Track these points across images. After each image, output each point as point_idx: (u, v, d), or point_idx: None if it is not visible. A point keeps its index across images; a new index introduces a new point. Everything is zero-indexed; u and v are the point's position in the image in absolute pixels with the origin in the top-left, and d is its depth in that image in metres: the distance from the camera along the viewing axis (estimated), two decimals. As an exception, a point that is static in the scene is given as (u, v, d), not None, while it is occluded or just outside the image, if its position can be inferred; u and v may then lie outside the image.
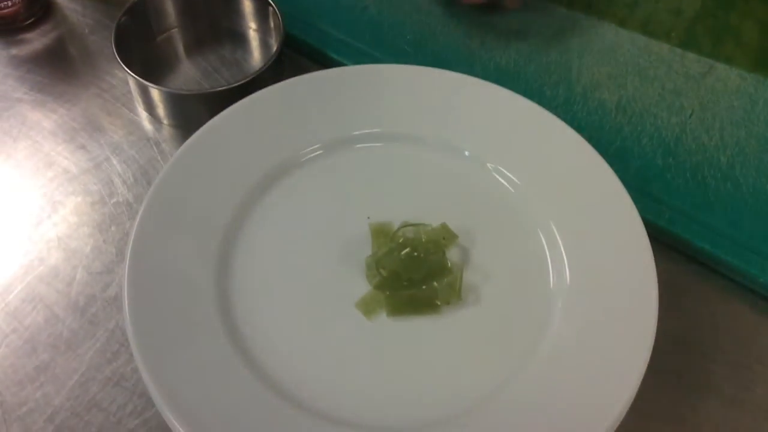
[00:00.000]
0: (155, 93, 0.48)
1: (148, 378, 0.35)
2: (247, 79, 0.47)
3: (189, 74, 0.53)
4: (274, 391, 0.37)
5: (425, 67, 0.47)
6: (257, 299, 0.40)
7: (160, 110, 0.50)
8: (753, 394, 0.40)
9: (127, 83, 0.52)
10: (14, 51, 0.55)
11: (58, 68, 0.54)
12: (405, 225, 0.42)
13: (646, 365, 0.36)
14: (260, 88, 0.46)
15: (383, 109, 0.47)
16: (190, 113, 0.49)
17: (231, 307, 0.40)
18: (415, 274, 0.40)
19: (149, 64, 0.53)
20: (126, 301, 0.38)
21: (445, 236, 0.42)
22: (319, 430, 0.36)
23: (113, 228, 0.46)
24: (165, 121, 0.50)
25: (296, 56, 0.54)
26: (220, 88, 0.48)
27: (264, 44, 0.55)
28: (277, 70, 0.50)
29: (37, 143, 0.50)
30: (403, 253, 0.41)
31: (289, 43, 0.53)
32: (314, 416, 0.36)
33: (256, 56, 0.54)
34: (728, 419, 0.40)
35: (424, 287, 0.40)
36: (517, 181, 0.44)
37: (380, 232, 0.43)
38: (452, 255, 0.42)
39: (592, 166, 0.43)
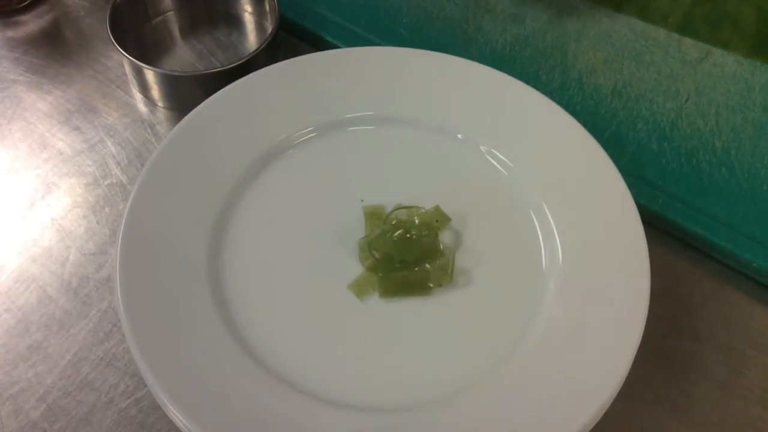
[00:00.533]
0: (150, 74, 0.48)
1: (140, 358, 0.35)
2: (242, 61, 0.47)
3: (184, 57, 0.53)
4: (266, 371, 0.37)
5: (419, 50, 0.47)
6: (250, 280, 0.40)
7: (155, 92, 0.50)
8: (745, 379, 0.40)
9: (122, 65, 0.52)
10: (10, 33, 0.55)
11: (54, 50, 0.54)
12: (398, 208, 0.42)
13: (636, 348, 0.36)
14: (255, 70, 0.46)
15: (377, 91, 0.46)
16: (185, 95, 0.49)
17: (224, 287, 0.40)
18: (407, 256, 0.40)
19: (144, 46, 0.53)
20: (118, 282, 0.38)
21: (438, 219, 0.42)
22: (311, 410, 0.36)
23: (107, 209, 0.46)
24: (160, 103, 0.50)
25: (292, 39, 0.54)
26: (214, 70, 0.47)
27: (259, 27, 0.55)
28: (271, 52, 0.50)
29: (32, 124, 0.50)
30: (395, 235, 0.41)
31: (284, 26, 0.53)
32: (306, 396, 0.36)
33: (251, 39, 0.54)
34: (720, 403, 0.40)
35: (416, 269, 0.40)
36: (510, 164, 0.44)
37: (373, 215, 0.42)
38: (445, 237, 0.42)
39: (586, 150, 0.43)
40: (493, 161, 0.45)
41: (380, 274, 0.40)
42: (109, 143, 0.49)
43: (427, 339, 0.39)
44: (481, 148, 0.45)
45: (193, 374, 0.36)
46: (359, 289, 0.40)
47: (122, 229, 0.39)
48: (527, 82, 0.46)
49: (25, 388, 0.39)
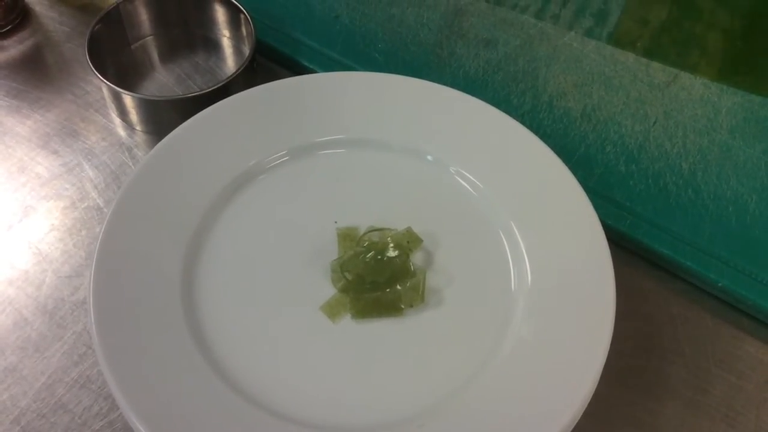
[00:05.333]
0: (128, 99, 0.49)
1: (112, 380, 0.36)
2: (218, 86, 0.48)
3: (163, 81, 0.54)
4: (239, 395, 0.37)
5: (391, 75, 0.48)
6: (224, 303, 0.41)
7: (133, 116, 0.50)
8: (711, 397, 0.41)
9: (101, 90, 0.52)
10: (-10, 57, 0.56)
11: (34, 75, 0.54)
12: (371, 230, 0.43)
13: (602, 367, 0.37)
14: (232, 94, 0.47)
15: (349, 115, 0.47)
16: (163, 119, 0.49)
17: (197, 310, 0.40)
18: (378, 277, 0.41)
19: (124, 71, 0.54)
20: (91, 304, 0.38)
21: (409, 240, 0.42)
22: (282, 432, 0.36)
23: (83, 232, 0.46)
24: (138, 127, 0.51)
25: (269, 64, 0.55)
26: (191, 94, 0.48)
27: (237, 52, 0.56)
28: (248, 77, 0.51)
29: (11, 148, 0.50)
30: (368, 256, 0.41)
31: (262, 51, 0.54)
32: (278, 418, 0.37)
33: (229, 63, 0.55)
34: (686, 422, 0.40)
35: (388, 290, 0.41)
36: (480, 185, 0.45)
37: (347, 237, 0.43)
38: (416, 258, 0.42)
39: (554, 172, 0.44)
40: (463, 182, 0.46)
41: (352, 296, 0.41)
42: (86, 167, 0.49)
43: (398, 359, 0.39)
44: (451, 169, 0.46)
45: (165, 397, 0.36)
46: (331, 310, 0.41)
47: (97, 251, 0.40)
48: (499, 105, 0.47)
49: (0, 411, 0.39)
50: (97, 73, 0.48)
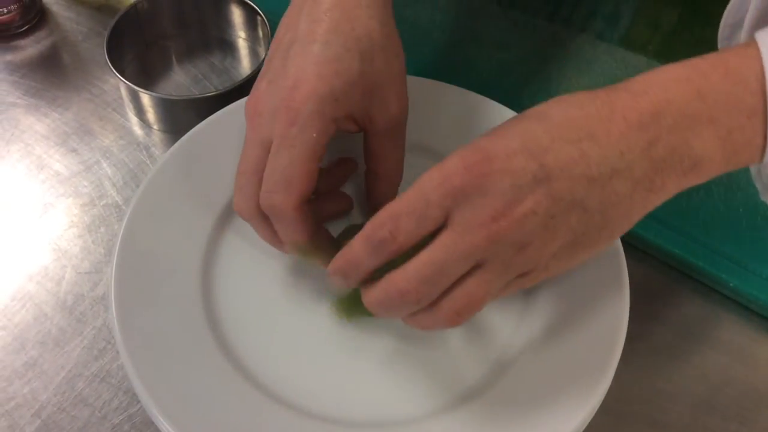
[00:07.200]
0: (145, 98, 0.50)
1: (133, 374, 0.36)
2: (235, 86, 0.49)
3: (179, 81, 0.55)
4: (256, 389, 0.38)
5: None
6: (242, 298, 0.41)
7: (150, 115, 0.51)
8: (723, 396, 0.42)
9: (119, 89, 0.53)
10: (9, 57, 0.56)
11: (52, 74, 0.55)
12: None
13: (616, 365, 0.37)
14: (248, 94, 0.47)
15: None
16: (179, 118, 0.50)
17: (216, 306, 0.41)
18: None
19: (140, 71, 0.55)
20: (113, 299, 0.39)
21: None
22: (300, 426, 0.37)
23: (102, 229, 0.47)
24: (155, 126, 0.52)
25: (284, 65, 0.56)
26: (208, 94, 0.49)
27: (253, 52, 0.56)
28: (264, 77, 0.51)
29: (30, 146, 0.51)
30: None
31: (277, 51, 0.55)
32: (294, 412, 0.37)
33: (245, 64, 0.56)
34: (698, 420, 0.41)
35: (403, 287, 0.41)
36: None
37: (362, 235, 0.44)
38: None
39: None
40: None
41: (366, 293, 0.41)
42: (105, 165, 0.50)
43: (413, 355, 0.40)
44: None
45: (185, 391, 0.37)
46: (345, 307, 0.41)
47: (117, 248, 0.40)
48: (511, 106, 0.47)
49: (21, 404, 0.40)
50: (115, 72, 0.49)
